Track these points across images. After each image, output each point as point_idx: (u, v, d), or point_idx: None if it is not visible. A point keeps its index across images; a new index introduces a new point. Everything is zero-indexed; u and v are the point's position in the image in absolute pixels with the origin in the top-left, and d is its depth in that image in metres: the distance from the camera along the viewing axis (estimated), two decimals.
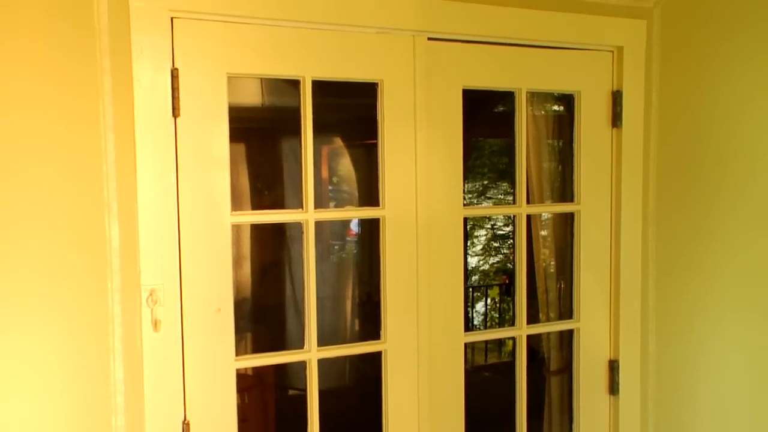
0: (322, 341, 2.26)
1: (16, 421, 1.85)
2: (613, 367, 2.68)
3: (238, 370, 2.15)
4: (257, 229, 4.06)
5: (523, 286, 2.59)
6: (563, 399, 2.91)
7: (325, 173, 4.65)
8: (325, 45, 2.18)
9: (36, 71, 1.82)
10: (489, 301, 8.18)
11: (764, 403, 2.55)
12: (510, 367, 2.67)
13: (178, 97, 1.99)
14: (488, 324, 7.92)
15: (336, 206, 4.97)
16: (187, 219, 2.04)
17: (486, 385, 5.48)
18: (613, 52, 2.61)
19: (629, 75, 2.60)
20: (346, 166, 4.71)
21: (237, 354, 2.14)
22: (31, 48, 1.82)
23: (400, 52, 2.28)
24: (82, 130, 1.88)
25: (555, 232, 2.93)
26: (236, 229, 2.28)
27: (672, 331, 2.73)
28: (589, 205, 2.63)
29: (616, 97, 2.61)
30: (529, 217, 2.70)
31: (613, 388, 2.69)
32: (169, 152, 1.99)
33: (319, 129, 2.21)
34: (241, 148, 3.91)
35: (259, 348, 3.89)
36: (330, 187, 4.79)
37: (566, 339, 2.83)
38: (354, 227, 4.88)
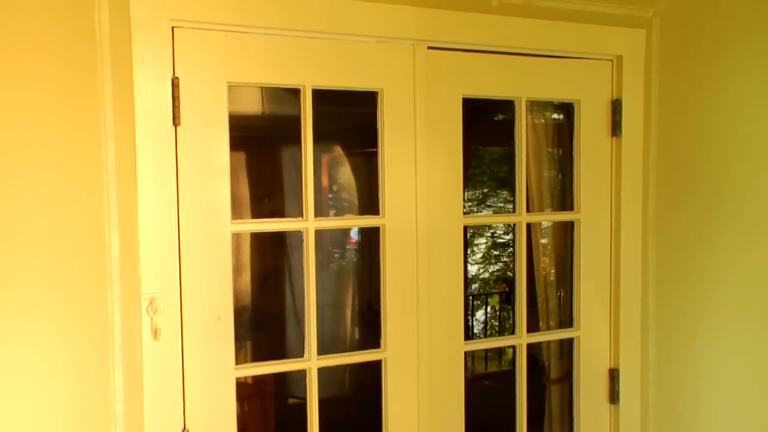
0: (322, 350, 2.26)
1: (15, 430, 1.85)
2: (614, 375, 2.68)
3: (237, 379, 2.15)
4: (257, 238, 4.06)
5: (523, 294, 2.59)
6: (563, 408, 2.90)
7: (325, 181, 4.66)
8: (326, 54, 2.19)
9: (37, 80, 1.83)
10: (489, 309, 8.17)
11: (765, 411, 2.55)
12: (510, 375, 2.67)
13: (179, 106, 2.00)
14: (488, 332, 7.91)
15: (336, 214, 4.97)
16: (188, 227, 2.04)
17: (486, 394, 5.46)
18: (612, 61, 2.61)
19: (629, 84, 2.61)
20: (346, 174, 4.71)
21: (237, 362, 2.14)
22: (32, 57, 1.82)
23: (400, 61, 2.29)
24: (83, 139, 1.88)
25: (555, 241, 2.93)
26: (236, 237, 2.28)
27: (672, 339, 2.72)
28: (589, 213, 2.63)
29: (616, 106, 2.62)
30: (529, 225, 2.70)
31: (614, 396, 2.69)
32: (170, 161, 1.99)
33: (319, 137, 2.21)
34: (242, 156, 3.92)
35: (258, 356, 3.88)
36: (330, 196, 4.80)
37: (566, 347, 2.83)
38: (354, 235, 4.88)
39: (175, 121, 2.00)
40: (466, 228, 2.53)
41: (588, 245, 2.64)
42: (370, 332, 4.24)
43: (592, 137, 2.61)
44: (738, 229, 2.76)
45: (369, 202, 2.75)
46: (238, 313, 2.19)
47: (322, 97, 2.21)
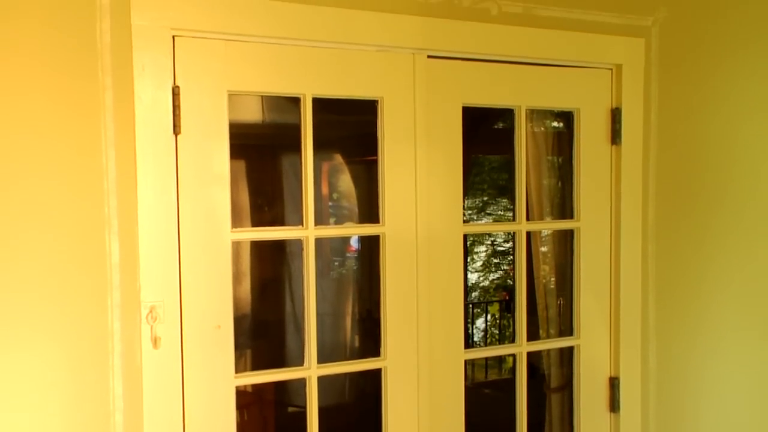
0: (322, 358, 2.26)
1: None
2: (614, 384, 2.68)
3: (237, 387, 2.14)
4: (257, 246, 4.06)
5: (523, 302, 2.59)
6: (564, 416, 2.90)
7: (325, 190, 4.65)
8: (326, 63, 2.20)
9: (38, 88, 1.84)
10: (489, 317, 8.15)
11: (766, 420, 2.54)
12: (510, 383, 2.66)
13: (179, 115, 2.00)
14: (488, 340, 7.89)
15: (336, 223, 4.96)
16: (188, 236, 2.04)
17: (486, 402, 5.44)
18: (612, 69, 2.62)
19: (628, 92, 2.61)
20: (346, 182, 4.71)
21: (237, 371, 2.13)
22: (33, 65, 1.83)
23: (400, 69, 2.29)
24: (84, 147, 1.89)
25: (555, 249, 2.93)
26: (236, 245, 2.28)
27: (672, 347, 2.72)
28: (589, 221, 2.63)
29: (615, 115, 2.62)
30: (528, 233, 2.70)
31: (614, 405, 2.68)
32: (170, 169, 2.00)
33: (319, 146, 2.21)
34: (242, 164, 3.92)
35: (258, 365, 3.87)
36: (330, 204, 4.79)
37: (566, 356, 2.82)
38: (354, 243, 4.88)
39: (176, 129, 2.00)
40: (466, 236, 2.53)
41: (588, 253, 2.64)
42: (370, 341, 4.24)
43: (592, 146, 2.62)
44: (738, 238, 2.76)
45: (369, 211, 2.75)
46: (238, 321, 2.19)
47: (322, 105, 2.21)
